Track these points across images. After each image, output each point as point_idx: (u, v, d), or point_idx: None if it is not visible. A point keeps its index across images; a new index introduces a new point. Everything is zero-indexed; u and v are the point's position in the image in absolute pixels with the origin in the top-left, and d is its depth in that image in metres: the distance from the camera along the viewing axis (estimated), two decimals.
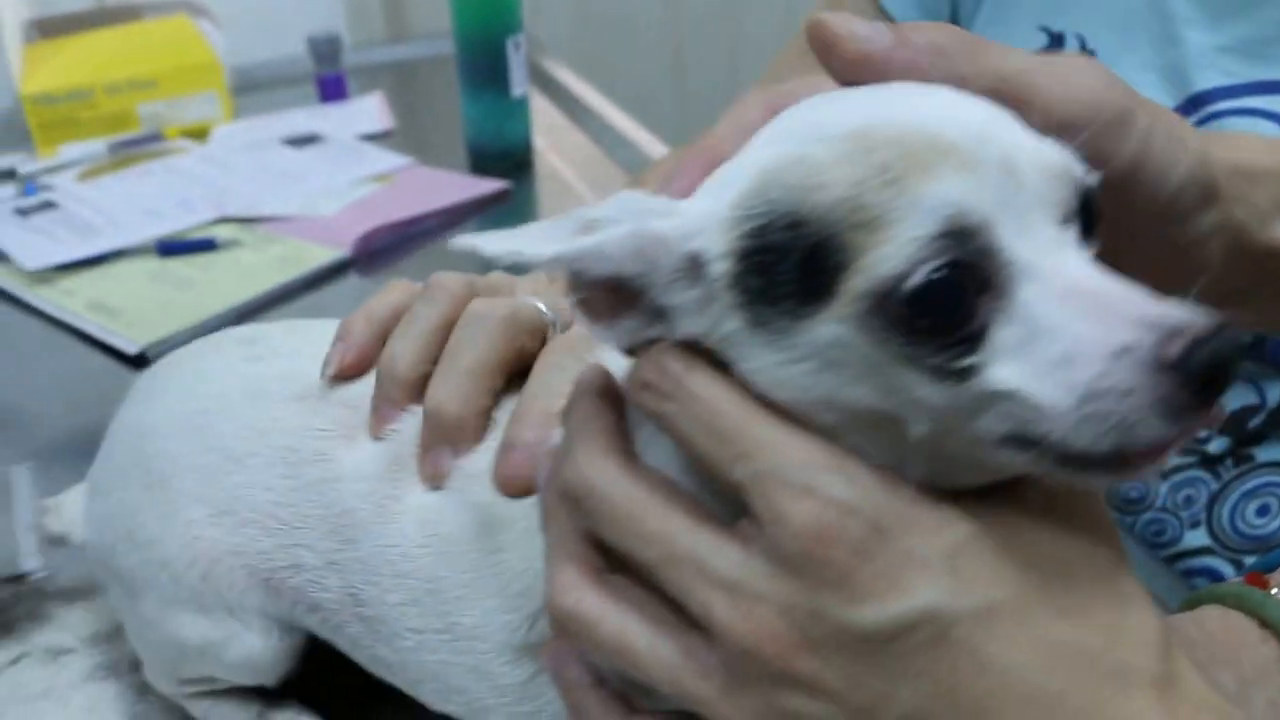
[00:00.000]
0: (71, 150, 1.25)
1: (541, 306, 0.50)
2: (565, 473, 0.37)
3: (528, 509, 0.43)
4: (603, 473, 0.36)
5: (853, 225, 0.31)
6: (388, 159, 1.17)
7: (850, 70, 0.36)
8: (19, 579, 0.55)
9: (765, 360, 0.33)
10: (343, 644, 0.51)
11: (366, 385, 0.50)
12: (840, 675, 0.33)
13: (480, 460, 0.46)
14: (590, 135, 1.24)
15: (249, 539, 0.49)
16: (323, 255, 1.00)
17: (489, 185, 1.10)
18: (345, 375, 0.50)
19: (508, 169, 1.13)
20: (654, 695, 0.40)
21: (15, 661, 0.61)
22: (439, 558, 0.46)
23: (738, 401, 0.34)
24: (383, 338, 0.50)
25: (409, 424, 0.48)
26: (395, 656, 0.49)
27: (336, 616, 0.49)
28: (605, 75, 1.42)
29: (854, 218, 0.31)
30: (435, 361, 0.48)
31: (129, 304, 0.94)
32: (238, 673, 0.53)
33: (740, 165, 0.34)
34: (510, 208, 1.10)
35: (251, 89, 1.39)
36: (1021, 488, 0.34)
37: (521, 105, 1.15)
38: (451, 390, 0.46)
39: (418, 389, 0.48)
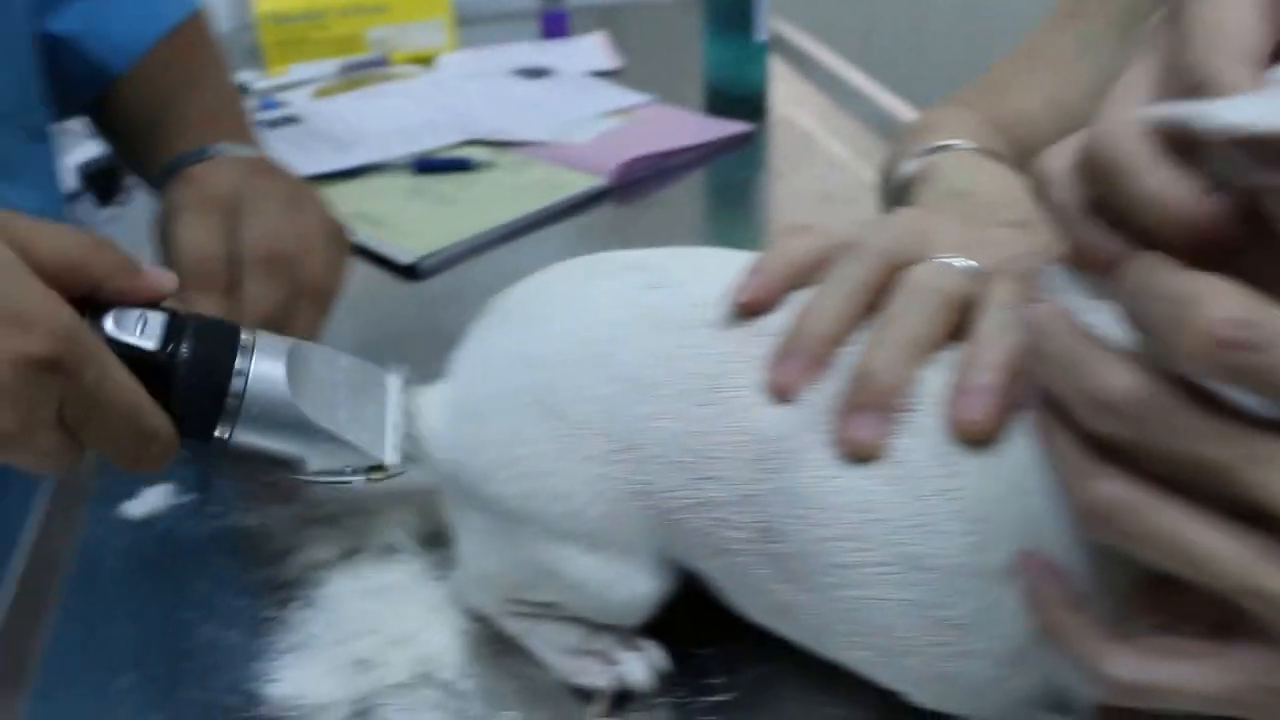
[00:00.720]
0: (301, 70, 1.27)
1: (963, 265, 0.48)
2: (1096, 381, 0.35)
3: None
4: (1141, 379, 0.34)
5: None
6: (627, 95, 1.16)
7: None
8: (378, 468, 0.53)
9: None
10: (736, 591, 0.49)
11: (791, 316, 0.47)
12: None
13: (925, 385, 0.44)
14: (816, 86, 1.22)
15: (654, 475, 0.47)
16: (581, 182, 0.99)
17: (733, 127, 1.08)
18: (754, 309, 0.48)
19: (746, 113, 1.11)
20: (1137, 623, 0.38)
21: (349, 555, 0.59)
22: (887, 485, 0.43)
23: None
24: (797, 281, 0.48)
25: (850, 358, 0.46)
26: (804, 598, 0.46)
27: (742, 557, 0.47)
28: (817, 24, 1.39)
29: None
30: (855, 323, 0.47)
31: (391, 217, 0.94)
32: (610, 612, 0.51)
33: None
34: (749, 152, 1.09)
35: (472, 22, 1.39)
36: None
37: (762, 50, 1.13)
38: (890, 358, 0.45)
39: (835, 346, 0.46)
